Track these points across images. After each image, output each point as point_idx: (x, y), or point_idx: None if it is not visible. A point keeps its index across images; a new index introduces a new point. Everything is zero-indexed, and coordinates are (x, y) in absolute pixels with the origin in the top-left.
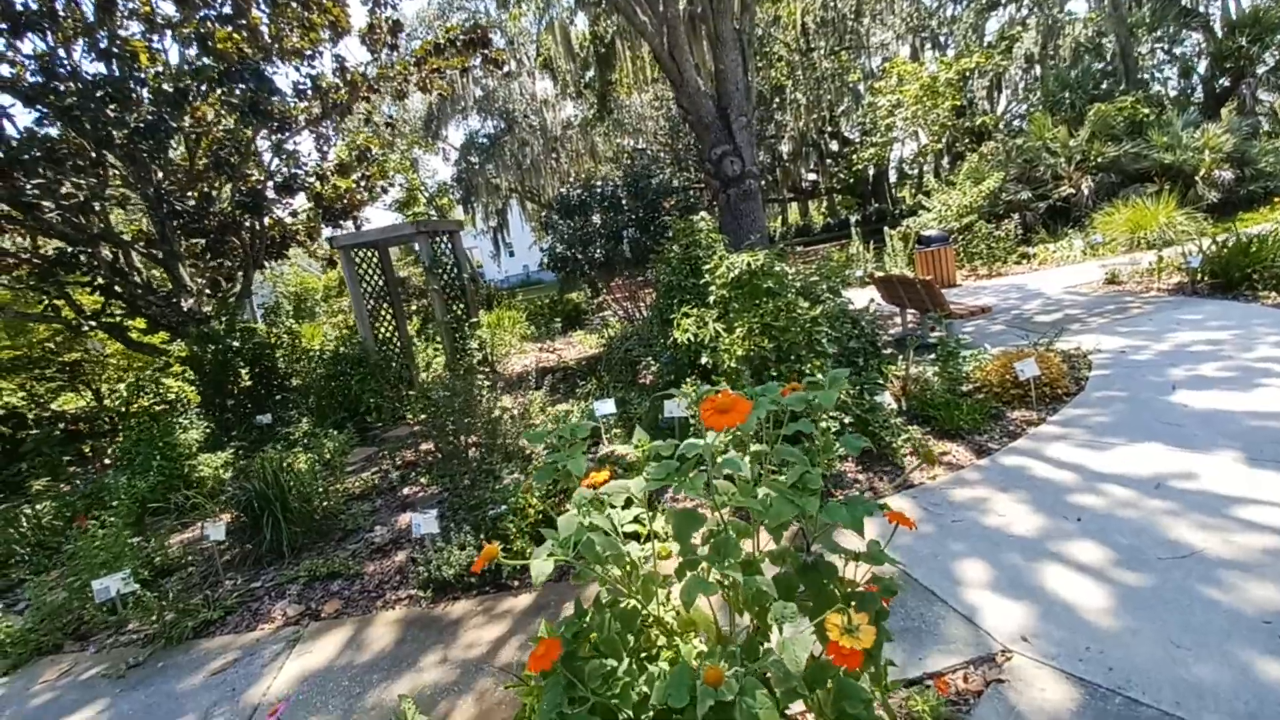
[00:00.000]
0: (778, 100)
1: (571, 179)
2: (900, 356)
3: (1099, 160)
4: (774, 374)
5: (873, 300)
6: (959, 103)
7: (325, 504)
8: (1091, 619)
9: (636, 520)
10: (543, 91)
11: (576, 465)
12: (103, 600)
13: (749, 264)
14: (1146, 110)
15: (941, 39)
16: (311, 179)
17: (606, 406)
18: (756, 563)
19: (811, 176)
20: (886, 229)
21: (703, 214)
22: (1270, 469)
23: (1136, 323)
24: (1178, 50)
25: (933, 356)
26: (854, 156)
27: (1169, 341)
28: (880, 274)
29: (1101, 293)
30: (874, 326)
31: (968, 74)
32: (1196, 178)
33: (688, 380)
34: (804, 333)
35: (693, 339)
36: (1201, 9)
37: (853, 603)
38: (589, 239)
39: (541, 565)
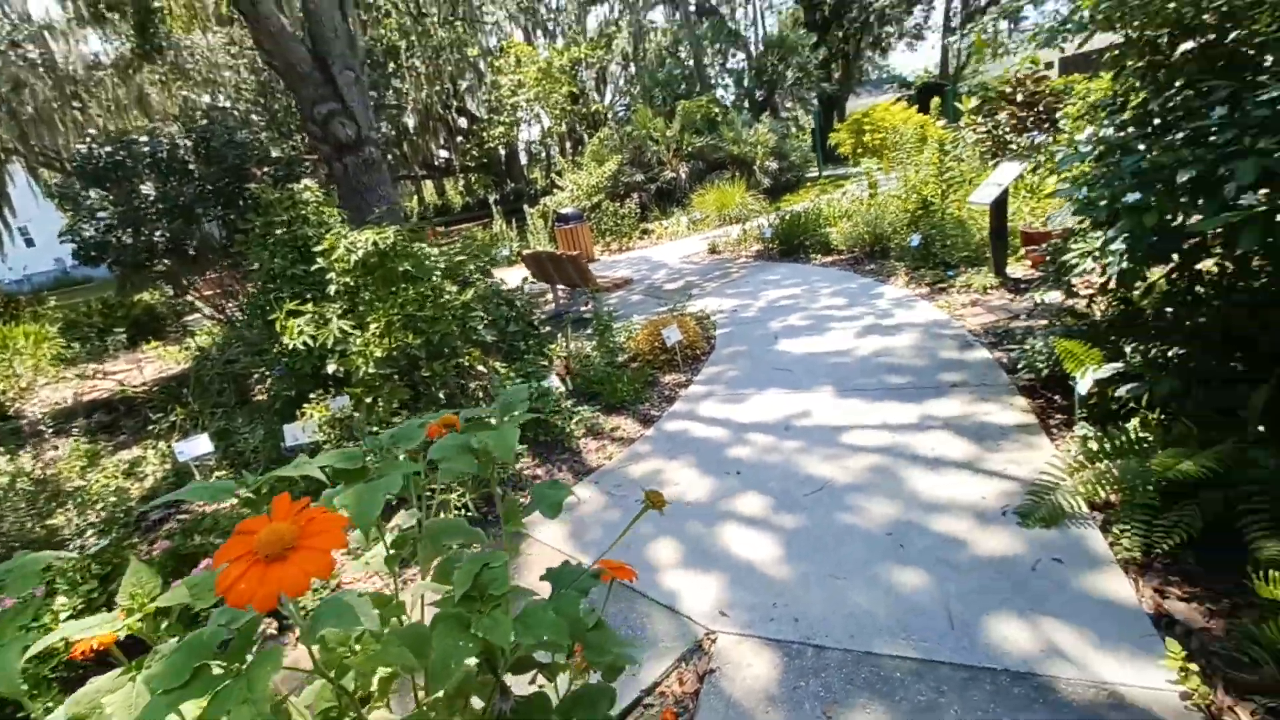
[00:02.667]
0: (394, 65)
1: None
2: (559, 334)
3: (690, 149)
4: (426, 374)
5: (526, 279)
6: (574, 89)
7: None
8: (770, 573)
9: None
10: (42, 13)
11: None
12: None
13: (376, 243)
14: (716, 110)
15: (550, 27)
16: None
17: (197, 445)
18: None
19: (444, 154)
20: (526, 207)
21: (306, 183)
22: (854, 398)
23: (738, 285)
24: (730, 65)
25: (589, 331)
26: (484, 135)
27: (764, 299)
28: (529, 251)
29: (709, 261)
30: (529, 306)
31: (577, 63)
32: (755, 167)
33: (311, 398)
34: (456, 321)
35: (310, 342)
36: (744, 33)
37: None
38: (140, 217)
39: None
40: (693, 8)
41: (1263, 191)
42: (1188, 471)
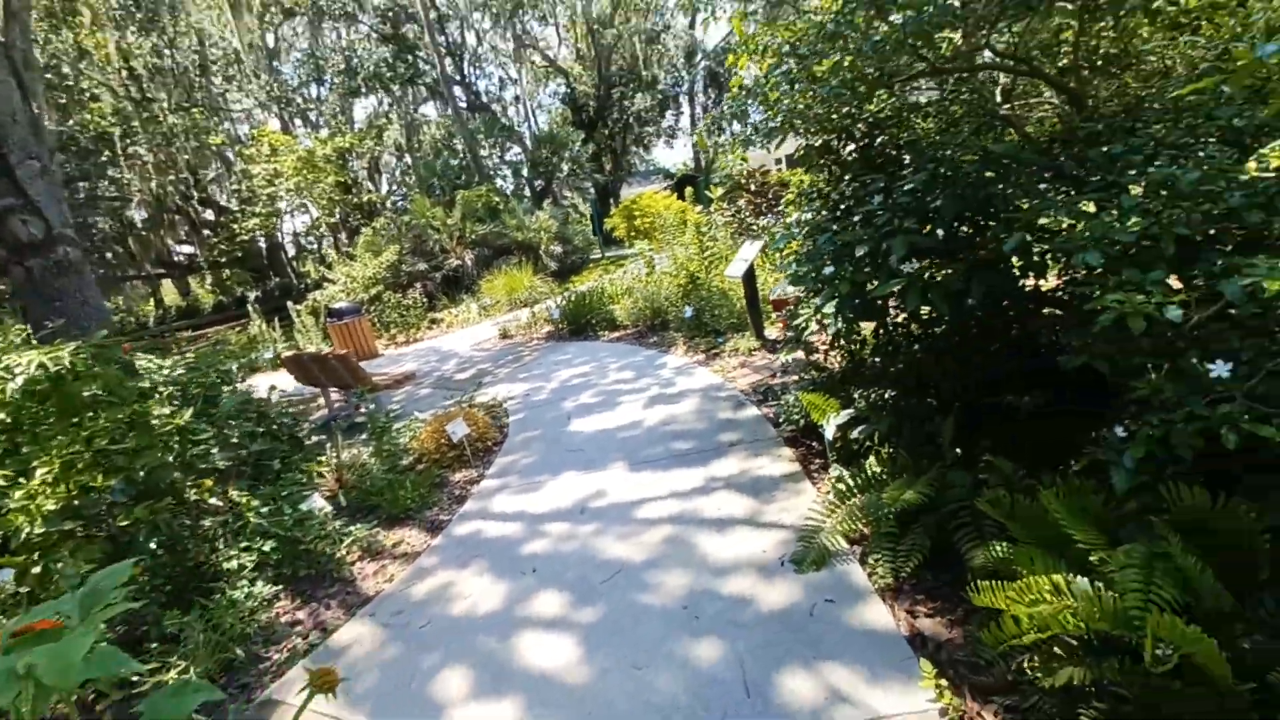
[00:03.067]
0: (108, 154)
1: None
2: (329, 444)
3: (473, 236)
4: (127, 521)
5: (273, 386)
6: (342, 179)
7: None
8: (572, 679)
9: None
10: None
11: None
12: None
13: (45, 365)
14: (497, 198)
15: (312, 116)
16: None
17: None
18: None
19: (187, 249)
20: (291, 304)
21: None
22: (645, 470)
23: (530, 368)
24: (508, 156)
25: (365, 435)
26: (236, 227)
27: (556, 380)
28: (290, 354)
29: (501, 346)
30: (292, 416)
31: (345, 153)
32: (540, 251)
33: None
34: (171, 450)
35: None
36: (518, 128)
37: None
38: None
39: None
40: (464, 104)
41: (916, 263)
42: (910, 500)
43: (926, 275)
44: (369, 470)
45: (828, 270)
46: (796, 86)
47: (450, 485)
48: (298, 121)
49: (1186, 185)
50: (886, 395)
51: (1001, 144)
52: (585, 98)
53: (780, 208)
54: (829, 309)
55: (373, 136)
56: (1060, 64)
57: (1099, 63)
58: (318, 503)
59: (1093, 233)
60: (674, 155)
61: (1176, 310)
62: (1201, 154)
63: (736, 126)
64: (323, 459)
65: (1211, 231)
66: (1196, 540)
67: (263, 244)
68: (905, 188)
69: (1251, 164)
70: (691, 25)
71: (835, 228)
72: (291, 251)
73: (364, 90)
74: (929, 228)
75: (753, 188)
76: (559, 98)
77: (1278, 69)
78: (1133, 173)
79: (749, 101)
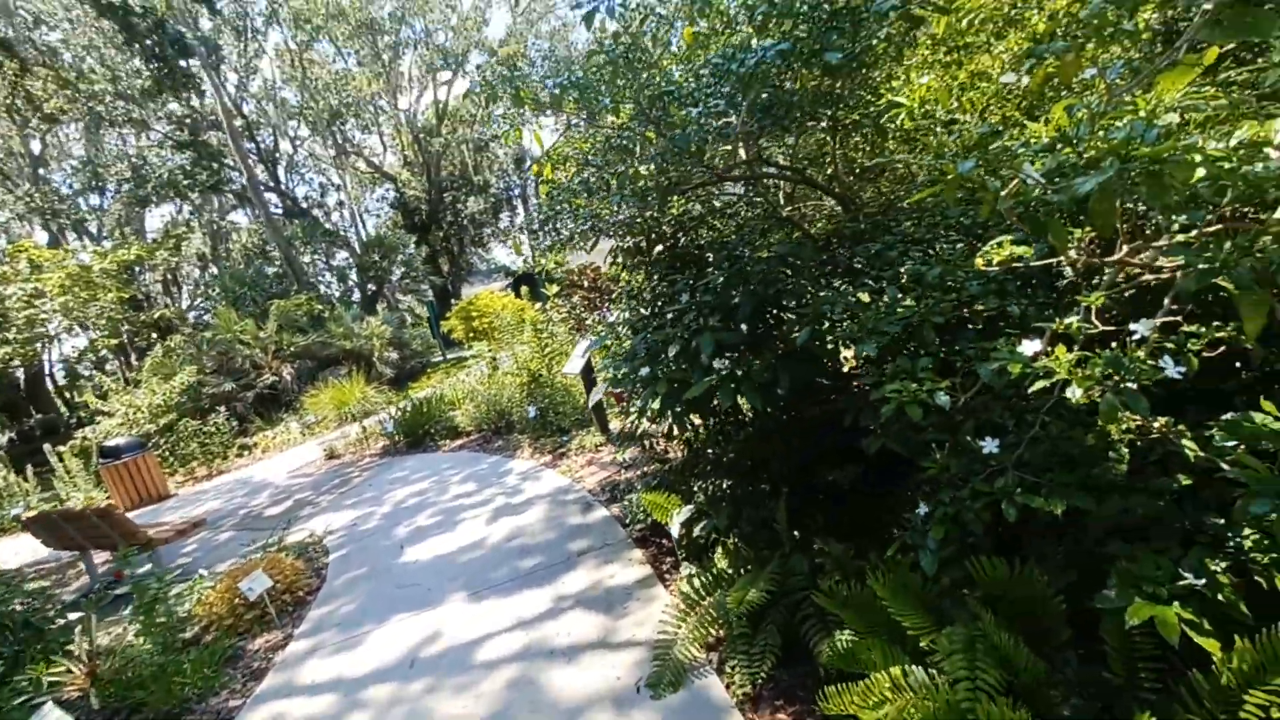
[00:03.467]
0: None
1: None
2: (79, 626)
3: (292, 349)
4: None
5: None
6: (127, 295)
7: None
8: None
9: None
10: None
11: None
12: None
13: None
14: (320, 306)
15: (92, 227)
16: None
17: None
18: None
19: None
20: (49, 446)
21: None
22: (489, 598)
23: (360, 492)
24: (334, 262)
25: (129, 609)
26: None
27: (389, 503)
28: (33, 515)
29: (326, 469)
30: (30, 595)
31: (132, 266)
32: (374, 358)
33: None
34: None
35: None
36: (345, 233)
37: None
38: None
39: None
40: (279, 210)
41: (726, 359)
42: (755, 600)
43: (738, 371)
44: (136, 653)
45: (644, 371)
46: (599, 194)
47: (246, 657)
48: (69, 234)
49: (933, 279)
50: (724, 485)
51: (786, 244)
52: (416, 201)
53: (612, 301)
54: (655, 405)
55: (168, 247)
56: (828, 172)
57: (857, 170)
58: (52, 715)
59: (864, 325)
60: (514, 254)
61: (944, 396)
62: (943, 246)
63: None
64: (73, 646)
65: (965, 314)
66: (1004, 610)
67: (20, 374)
68: (709, 285)
69: (979, 260)
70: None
71: (653, 326)
72: (63, 380)
73: (154, 199)
74: (732, 324)
75: (585, 284)
76: (388, 202)
77: (979, 180)
78: (889, 270)
79: (560, 207)
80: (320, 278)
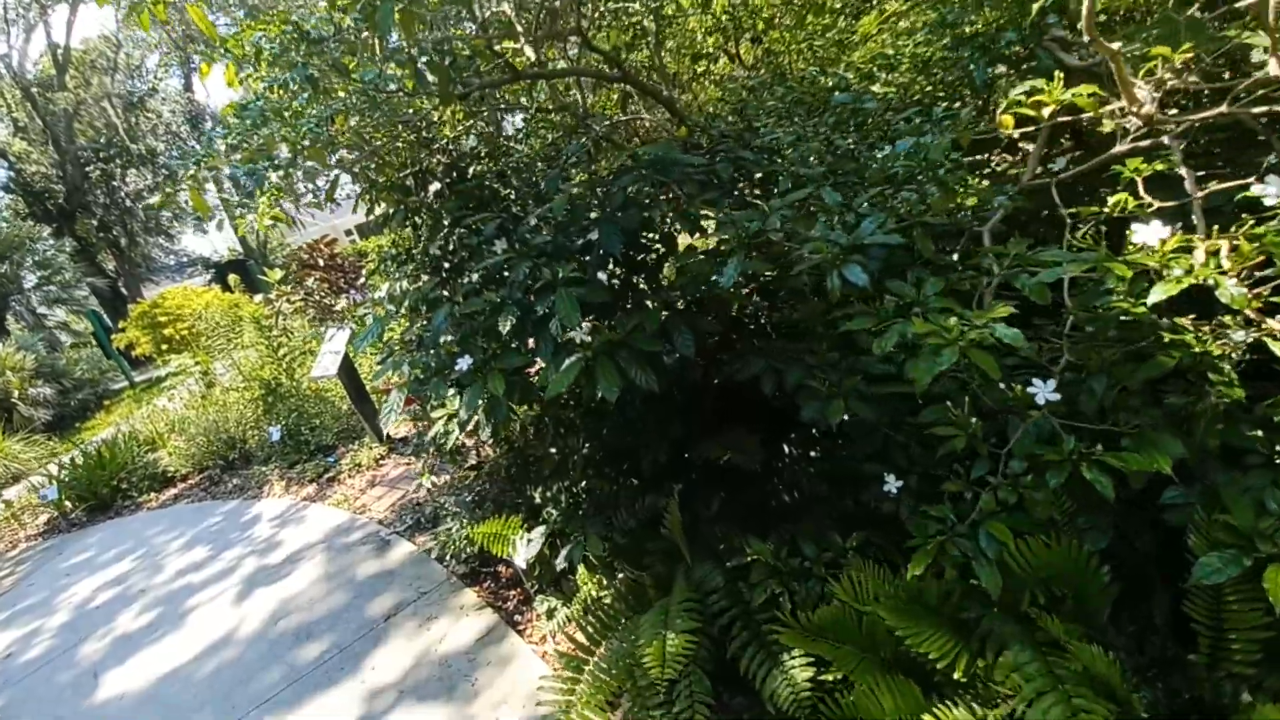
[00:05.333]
0: None
1: None
2: None
3: None
4: None
5: None
6: None
7: None
8: None
9: None
10: None
11: None
12: None
13: None
14: None
15: None
16: None
17: None
18: None
19: None
20: None
21: None
22: (255, 717)
23: (17, 598)
24: None
25: None
26: None
27: (66, 608)
28: None
29: None
30: None
31: None
32: (15, 399)
33: None
34: None
35: None
36: None
37: None
38: None
39: None
40: None
41: (588, 323)
42: (679, 652)
43: (613, 339)
44: None
45: (465, 364)
46: (329, 99)
47: None
48: None
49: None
50: (580, 488)
51: (652, 149)
52: (44, 180)
53: (363, 282)
54: (478, 416)
55: None
56: (652, 78)
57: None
58: None
59: (842, 242)
60: (218, 240)
61: (1013, 331)
62: (790, 152)
63: (275, 177)
64: None
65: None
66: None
67: None
68: (530, 224)
69: (1005, 117)
70: (188, 87)
71: (448, 294)
72: None
73: None
74: (587, 272)
75: (321, 263)
76: None
77: None
78: (819, 167)
79: (259, 130)
80: None
